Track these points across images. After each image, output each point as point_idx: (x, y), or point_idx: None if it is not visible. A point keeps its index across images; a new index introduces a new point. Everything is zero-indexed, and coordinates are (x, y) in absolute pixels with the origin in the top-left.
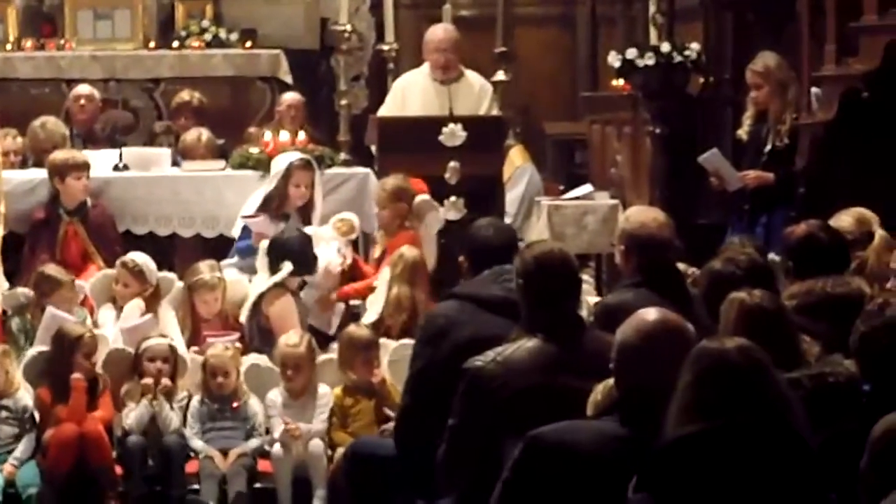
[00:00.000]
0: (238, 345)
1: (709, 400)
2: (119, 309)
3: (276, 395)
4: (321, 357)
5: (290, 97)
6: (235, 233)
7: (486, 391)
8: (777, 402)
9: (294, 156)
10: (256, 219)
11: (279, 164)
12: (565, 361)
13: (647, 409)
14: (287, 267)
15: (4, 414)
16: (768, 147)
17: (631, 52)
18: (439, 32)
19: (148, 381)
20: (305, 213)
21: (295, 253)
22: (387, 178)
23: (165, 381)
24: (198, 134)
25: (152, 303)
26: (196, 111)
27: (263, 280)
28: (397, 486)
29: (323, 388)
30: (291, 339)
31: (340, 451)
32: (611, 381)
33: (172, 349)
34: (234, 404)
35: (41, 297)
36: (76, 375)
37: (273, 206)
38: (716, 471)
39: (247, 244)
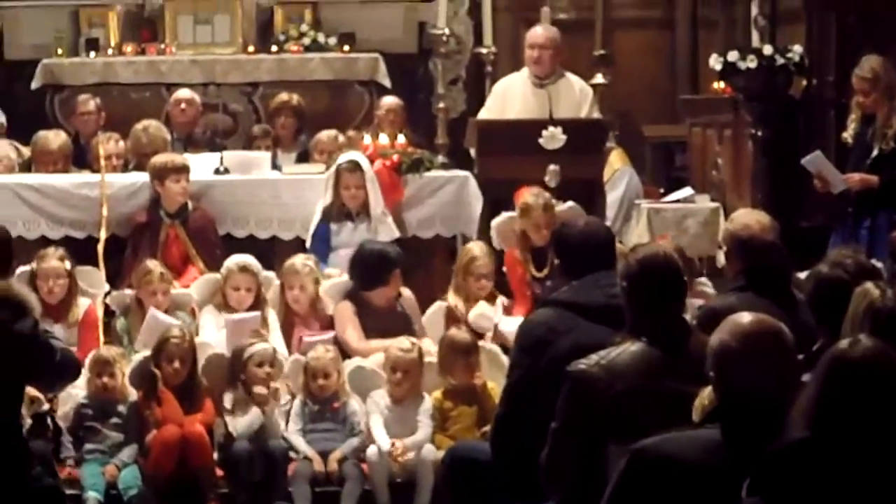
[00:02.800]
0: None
1: (834, 405)
2: (225, 311)
3: (380, 396)
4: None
5: (390, 101)
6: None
7: (589, 394)
8: None
9: (342, 158)
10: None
11: (331, 171)
12: (670, 365)
13: (746, 414)
14: (343, 276)
15: (115, 420)
16: (875, 152)
17: (733, 55)
18: (538, 30)
19: (262, 390)
20: (396, 215)
21: (358, 266)
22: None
23: (274, 385)
24: (334, 134)
25: (258, 303)
26: (295, 111)
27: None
28: (497, 491)
29: (425, 395)
30: (404, 343)
31: (440, 454)
32: None
33: (276, 351)
34: (335, 405)
35: (138, 290)
36: (161, 386)
37: (333, 212)
38: (832, 478)
39: (319, 250)
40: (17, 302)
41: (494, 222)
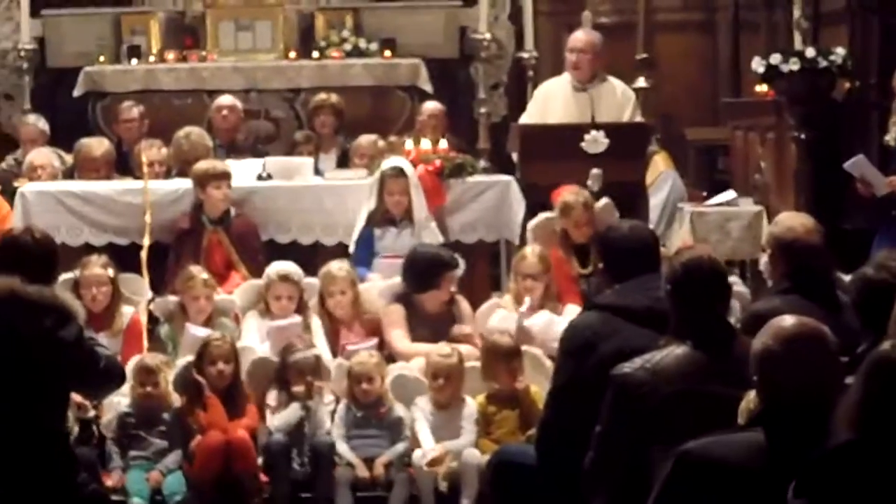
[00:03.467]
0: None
1: (878, 407)
2: (268, 317)
3: (424, 402)
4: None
5: (431, 106)
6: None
7: (633, 398)
8: None
9: (386, 164)
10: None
11: (375, 177)
12: (714, 369)
13: (791, 417)
14: (396, 279)
15: (159, 427)
16: None
17: (775, 58)
18: (579, 34)
19: (299, 388)
20: (438, 220)
21: (410, 270)
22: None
23: (317, 384)
24: (373, 138)
25: (301, 309)
26: (334, 110)
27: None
28: (541, 495)
29: (468, 400)
30: (443, 349)
31: (484, 459)
32: None
33: (318, 359)
34: (381, 411)
35: (182, 295)
36: (204, 388)
37: (377, 218)
38: (879, 480)
39: (363, 255)
40: (62, 309)
41: (531, 224)
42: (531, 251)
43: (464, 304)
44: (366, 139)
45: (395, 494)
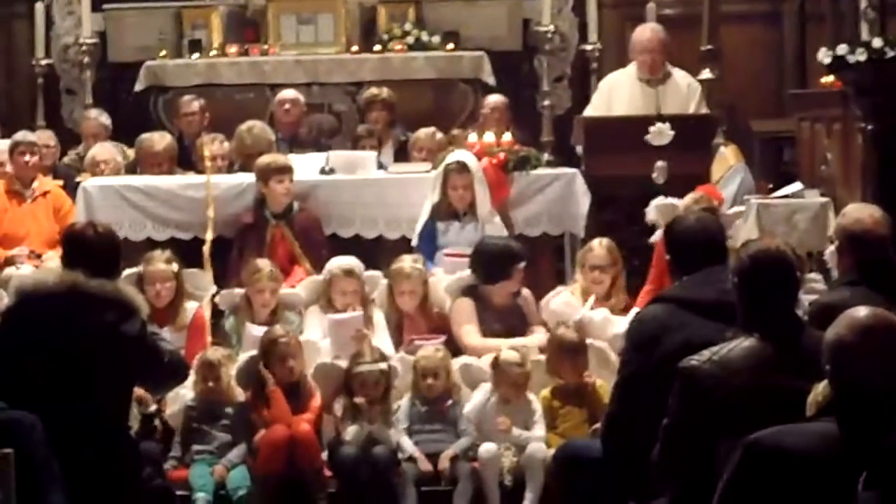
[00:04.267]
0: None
1: None
2: (331, 312)
3: (487, 392)
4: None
5: (494, 99)
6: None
7: (701, 390)
8: None
9: (451, 158)
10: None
11: (439, 171)
12: (782, 361)
13: (864, 408)
14: (466, 272)
15: (223, 421)
16: None
17: (842, 49)
18: (647, 33)
19: (361, 400)
20: (502, 213)
21: (480, 261)
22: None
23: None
24: (431, 131)
25: (363, 303)
26: (386, 104)
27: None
28: (608, 489)
29: (531, 396)
30: (512, 356)
31: (550, 453)
32: None
33: (383, 373)
34: (445, 405)
35: (247, 288)
36: (271, 385)
37: (441, 212)
38: None
39: (426, 249)
40: (125, 303)
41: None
42: (598, 243)
43: (529, 298)
44: (424, 132)
45: (460, 489)
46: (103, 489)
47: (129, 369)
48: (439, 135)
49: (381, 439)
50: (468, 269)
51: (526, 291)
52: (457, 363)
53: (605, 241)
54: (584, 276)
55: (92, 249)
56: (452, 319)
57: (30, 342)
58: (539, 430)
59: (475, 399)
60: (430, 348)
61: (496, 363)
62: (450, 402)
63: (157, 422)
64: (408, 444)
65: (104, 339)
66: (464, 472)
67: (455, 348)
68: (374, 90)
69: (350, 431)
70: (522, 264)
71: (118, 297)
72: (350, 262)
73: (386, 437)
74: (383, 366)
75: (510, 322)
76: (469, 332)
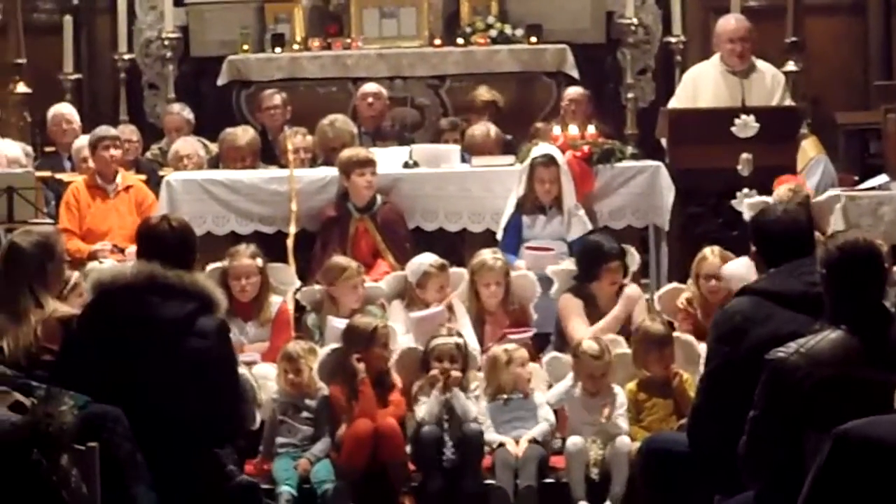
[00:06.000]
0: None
1: None
2: (414, 309)
3: (570, 384)
4: (615, 351)
5: (573, 91)
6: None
7: (788, 382)
8: None
9: (537, 152)
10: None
11: (525, 164)
12: (870, 353)
13: None
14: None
15: (305, 414)
16: None
17: None
18: (732, 22)
19: (435, 372)
20: (587, 206)
21: (578, 258)
22: None
23: (455, 373)
24: (486, 129)
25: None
26: (493, 108)
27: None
28: (694, 482)
29: (617, 389)
30: (593, 347)
31: (635, 446)
32: None
33: (459, 347)
34: (522, 397)
35: (333, 286)
36: (361, 374)
37: (526, 205)
38: None
39: (511, 242)
40: (203, 295)
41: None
42: (711, 251)
43: (634, 294)
44: (479, 130)
45: (527, 471)
46: (186, 483)
47: (206, 365)
48: (493, 130)
49: (461, 411)
50: (551, 265)
51: (630, 289)
52: (546, 357)
53: (716, 248)
54: (701, 286)
55: (167, 243)
56: (561, 315)
57: (111, 335)
58: (623, 422)
59: (557, 388)
60: (511, 343)
61: (576, 353)
62: (527, 393)
63: None
64: (492, 434)
65: (182, 331)
66: (532, 454)
67: (542, 344)
68: (483, 94)
69: (421, 409)
70: (614, 263)
71: (196, 289)
72: (436, 257)
73: (465, 408)
74: (460, 340)
75: None
76: (577, 327)
